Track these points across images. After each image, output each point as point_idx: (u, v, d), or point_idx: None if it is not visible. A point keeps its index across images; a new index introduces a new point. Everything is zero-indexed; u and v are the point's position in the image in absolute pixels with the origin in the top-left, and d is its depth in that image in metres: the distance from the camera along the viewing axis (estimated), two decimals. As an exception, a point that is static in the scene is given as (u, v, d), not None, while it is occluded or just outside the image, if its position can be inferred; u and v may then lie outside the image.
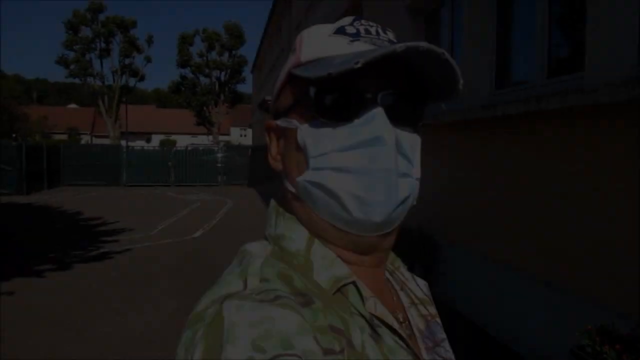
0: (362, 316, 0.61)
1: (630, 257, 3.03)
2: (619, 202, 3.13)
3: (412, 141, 0.66)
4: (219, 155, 22.75)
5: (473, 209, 4.97)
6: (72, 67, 33.95)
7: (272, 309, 0.51)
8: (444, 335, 0.77)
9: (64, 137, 47.26)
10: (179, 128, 57.17)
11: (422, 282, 0.84)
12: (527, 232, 4.08)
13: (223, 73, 38.19)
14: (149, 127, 57.09)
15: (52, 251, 8.25)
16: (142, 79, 37.88)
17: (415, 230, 5.71)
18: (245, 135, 58.82)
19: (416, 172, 0.67)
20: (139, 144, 39.58)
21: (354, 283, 0.63)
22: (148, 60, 37.23)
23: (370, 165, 0.59)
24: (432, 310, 0.79)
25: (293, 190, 0.66)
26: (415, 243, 5.55)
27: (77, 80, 35.66)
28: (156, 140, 53.77)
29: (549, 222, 3.79)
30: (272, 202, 0.72)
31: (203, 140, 48.21)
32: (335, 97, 0.61)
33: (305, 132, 0.63)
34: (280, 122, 0.68)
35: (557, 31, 4.18)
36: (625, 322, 2.68)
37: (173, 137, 54.72)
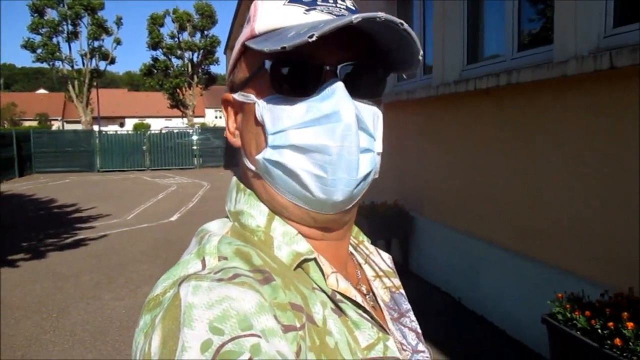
0: (324, 292, 0.61)
1: (599, 228, 3.10)
2: (587, 175, 3.19)
3: (373, 114, 0.64)
4: (194, 137, 22.49)
5: (447, 184, 5.01)
6: (39, 51, 32.98)
7: (231, 289, 0.50)
8: (408, 306, 0.77)
9: (34, 123, 46.18)
10: (153, 111, 56.28)
11: (385, 255, 0.84)
12: (500, 205, 4.14)
13: (196, 54, 37.54)
14: (121, 111, 56.10)
15: (26, 240, 8.11)
16: (112, 62, 37.01)
17: (391, 205, 5.75)
18: (220, 117, 58.15)
19: (378, 146, 0.66)
20: (112, 128, 38.88)
21: (315, 260, 0.62)
22: (118, 42, 36.36)
23: (330, 142, 0.58)
24: (396, 282, 0.79)
25: (252, 167, 0.65)
26: (391, 218, 5.60)
27: (45, 65, 34.74)
28: (130, 124, 52.88)
29: (522, 194, 3.85)
30: (234, 179, 0.71)
31: (177, 123, 47.60)
32: (292, 71, 0.59)
33: (263, 108, 0.61)
34: (237, 96, 0.66)
35: (526, 4, 4.20)
36: (594, 289, 2.75)
37: (147, 120, 53.88)
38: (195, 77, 37.59)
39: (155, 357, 0.47)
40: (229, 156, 21.57)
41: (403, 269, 5.67)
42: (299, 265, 0.61)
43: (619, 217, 2.96)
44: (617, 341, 2.20)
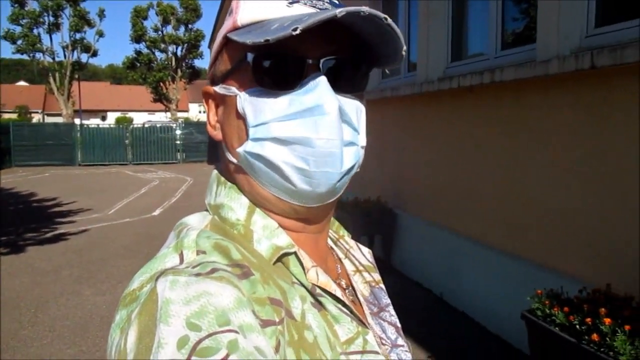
0: (304, 286, 0.61)
1: (579, 225, 3.15)
2: (568, 172, 3.23)
3: (356, 108, 0.64)
4: (178, 132, 22.32)
5: (430, 181, 5.04)
6: (19, 42, 32.42)
7: (209, 284, 0.49)
8: (388, 301, 0.77)
9: (13, 116, 45.41)
10: (136, 105, 55.67)
11: (366, 250, 0.84)
12: (482, 202, 4.18)
13: (179, 48, 37.21)
14: (104, 105, 55.41)
15: (4, 234, 7.99)
16: (94, 54, 36.51)
17: (374, 202, 5.77)
18: (204, 112, 57.60)
19: (362, 139, 0.66)
20: (94, 122, 38.39)
21: (295, 254, 0.62)
22: (100, 34, 35.87)
23: (312, 135, 0.57)
24: (376, 276, 0.80)
25: (234, 160, 0.64)
26: (374, 214, 5.62)
27: (25, 57, 34.14)
28: (112, 118, 52.27)
29: (504, 191, 3.89)
30: (214, 172, 0.70)
31: (161, 117, 47.12)
32: (274, 64, 0.59)
33: (245, 100, 0.61)
34: (218, 89, 0.65)
35: (510, 4, 4.23)
36: (574, 286, 2.79)
37: (129, 114, 53.25)
38: (179, 71, 37.27)
39: (131, 354, 0.46)
40: (212, 151, 21.23)
41: (385, 265, 5.70)
42: (279, 259, 0.61)
43: (600, 214, 3.00)
44: (595, 336, 2.24)
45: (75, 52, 35.13)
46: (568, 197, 3.23)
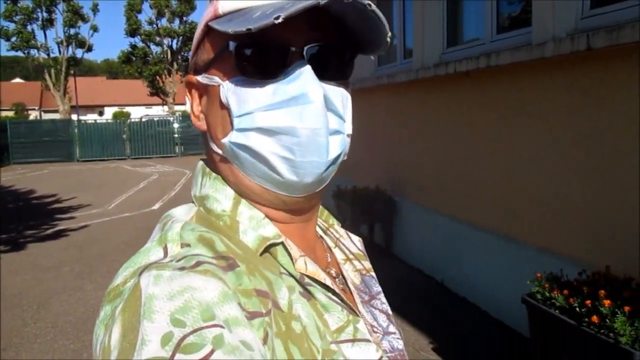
0: (292, 276, 0.60)
1: (578, 208, 3.15)
2: (566, 154, 3.22)
3: (342, 96, 0.63)
4: (175, 125, 22.27)
5: (428, 167, 5.04)
6: (13, 39, 32.25)
7: (193, 278, 0.48)
8: (379, 288, 0.77)
9: (10, 113, 45.26)
10: (132, 99, 55.47)
11: (356, 238, 0.84)
12: (481, 187, 4.17)
13: (175, 41, 37.03)
14: (100, 100, 55.18)
15: (5, 232, 7.99)
16: (89, 49, 36.35)
17: (373, 190, 5.76)
18: (201, 104, 57.36)
19: (348, 127, 0.64)
20: (91, 117, 38.27)
21: (282, 244, 0.61)
22: (94, 29, 35.68)
23: (298, 124, 0.57)
24: (367, 264, 0.79)
25: (219, 151, 0.64)
26: (373, 202, 5.61)
27: (20, 54, 33.98)
28: (109, 112, 52.10)
29: (503, 176, 3.88)
30: (200, 162, 0.69)
31: (158, 111, 46.99)
32: (257, 53, 0.58)
33: (228, 90, 0.60)
34: (200, 79, 0.64)
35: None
36: (574, 268, 2.79)
37: (126, 109, 53.06)
38: (174, 64, 37.10)
39: (115, 351, 0.45)
40: (210, 144, 21.36)
41: (386, 252, 5.71)
42: (266, 250, 0.61)
43: (598, 196, 3.00)
44: (594, 319, 2.24)
45: (70, 48, 34.96)
46: (566, 180, 3.23)
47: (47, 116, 44.82)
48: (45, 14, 33.14)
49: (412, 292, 4.66)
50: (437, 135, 4.84)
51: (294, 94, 0.57)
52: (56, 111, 36.11)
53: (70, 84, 34.30)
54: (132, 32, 36.14)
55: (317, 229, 0.76)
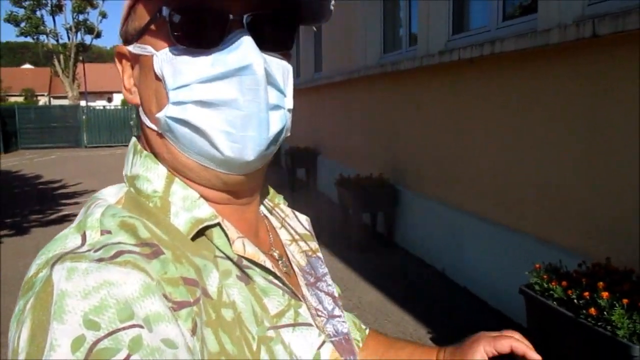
0: (230, 259, 0.57)
1: (580, 199, 3.09)
2: (568, 144, 3.16)
3: (283, 68, 0.59)
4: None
5: (431, 156, 4.98)
6: (22, 24, 32.35)
7: (111, 271, 0.44)
8: (325, 270, 0.74)
9: (20, 99, 45.50)
10: (140, 86, 55.51)
11: (303, 218, 0.80)
12: (484, 176, 4.12)
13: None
14: (109, 86, 55.27)
15: (10, 216, 8.03)
16: (98, 35, 36.45)
17: (376, 178, 5.72)
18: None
19: (289, 102, 0.61)
20: (99, 103, 38.42)
21: (219, 225, 0.58)
22: (103, 15, 35.70)
23: (238, 97, 0.53)
24: (313, 245, 0.76)
25: (153, 127, 0.59)
26: (376, 191, 5.57)
27: (29, 39, 34.11)
28: (118, 99, 52.23)
29: (505, 165, 3.83)
30: (132, 140, 0.65)
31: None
32: (193, 20, 0.54)
33: (162, 61, 0.55)
34: (132, 49, 0.59)
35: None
36: (575, 259, 2.75)
37: (134, 96, 53.20)
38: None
39: (22, 354, 0.42)
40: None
41: (388, 241, 5.68)
42: (201, 233, 0.57)
43: (600, 187, 2.94)
44: (592, 311, 2.20)
45: (78, 34, 35.05)
46: (569, 169, 3.17)
47: (56, 102, 45.04)
48: (54, 0, 33.18)
49: (413, 282, 4.63)
50: (441, 123, 4.78)
51: (234, 64, 0.53)
52: (65, 97, 36.26)
53: (79, 70, 34.41)
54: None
55: (262, 208, 0.73)
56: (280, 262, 0.66)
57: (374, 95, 6.36)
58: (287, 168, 9.64)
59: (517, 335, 0.76)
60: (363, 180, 5.73)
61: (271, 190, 0.77)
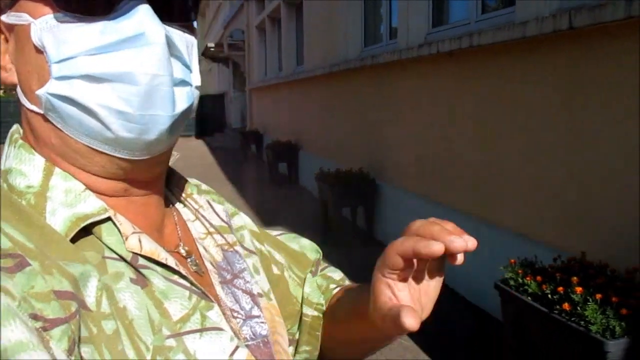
0: (124, 259, 0.50)
1: (556, 192, 3.08)
2: (546, 138, 3.14)
3: (187, 41, 0.53)
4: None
5: (410, 150, 4.95)
6: None
7: None
8: (243, 265, 0.65)
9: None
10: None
11: (220, 208, 0.71)
12: (462, 170, 4.09)
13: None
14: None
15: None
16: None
17: (357, 173, 5.68)
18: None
19: (195, 78, 0.54)
20: None
21: (110, 220, 0.50)
22: None
23: (134, 70, 0.46)
24: (231, 238, 0.67)
25: (34, 108, 0.51)
26: (356, 185, 5.53)
27: None
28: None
29: (483, 159, 3.80)
30: (13, 127, 0.57)
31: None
32: None
33: (42, 30, 0.48)
34: (5, 18, 0.51)
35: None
36: (551, 254, 2.73)
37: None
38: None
39: None
40: (200, 125, 21.20)
41: (368, 236, 5.64)
42: (89, 230, 0.49)
43: (578, 181, 2.92)
44: (566, 306, 2.18)
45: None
46: (545, 163, 3.15)
47: (36, 96, 44.28)
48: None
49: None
50: (421, 117, 4.74)
51: (129, 33, 0.46)
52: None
53: None
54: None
55: (174, 199, 0.65)
56: (189, 259, 0.59)
57: (355, 88, 6.30)
58: (269, 162, 9.56)
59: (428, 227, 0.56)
60: (343, 175, 5.68)
61: (183, 179, 0.69)
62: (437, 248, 0.50)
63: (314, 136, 8.35)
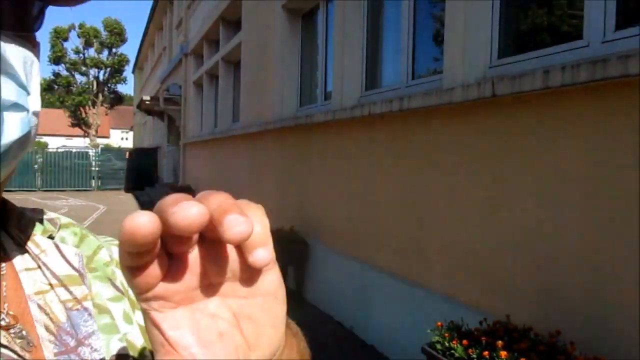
0: None
1: (481, 255, 3.10)
2: (472, 200, 3.20)
3: (24, 58, 0.43)
4: (94, 158, 21.37)
5: (340, 210, 4.93)
6: None
7: None
8: (92, 327, 0.51)
9: None
10: (52, 129, 52.92)
11: (71, 252, 0.55)
12: (391, 232, 4.09)
13: (102, 72, 36.04)
14: None
15: None
16: (8, 74, 34.68)
17: (287, 232, 5.58)
18: (127, 139, 55.81)
19: (34, 102, 0.45)
20: (3, 145, 36.13)
21: None
22: None
23: None
24: (79, 291, 0.53)
25: None
26: (286, 244, 5.42)
27: None
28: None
29: (411, 221, 3.82)
30: None
31: (79, 142, 45.09)
32: None
33: None
34: None
35: (421, 35, 4.27)
36: (478, 317, 2.71)
37: (45, 138, 50.59)
38: (100, 95, 35.99)
39: None
40: (130, 178, 20.60)
41: (298, 297, 5.49)
42: None
43: (503, 243, 2.96)
44: (492, 371, 2.14)
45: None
46: (471, 225, 3.19)
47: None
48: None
49: (321, 340, 4.45)
50: (351, 178, 4.77)
51: None
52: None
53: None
54: (57, 59, 34.87)
55: (10, 243, 0.52)
56: (12, 330, 0.46)
57: (288, 147, 6.31)
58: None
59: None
60: (274, 233, 5.50)
61: (25, 216, 0.55)
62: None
63: (245, 193, 8.20)
